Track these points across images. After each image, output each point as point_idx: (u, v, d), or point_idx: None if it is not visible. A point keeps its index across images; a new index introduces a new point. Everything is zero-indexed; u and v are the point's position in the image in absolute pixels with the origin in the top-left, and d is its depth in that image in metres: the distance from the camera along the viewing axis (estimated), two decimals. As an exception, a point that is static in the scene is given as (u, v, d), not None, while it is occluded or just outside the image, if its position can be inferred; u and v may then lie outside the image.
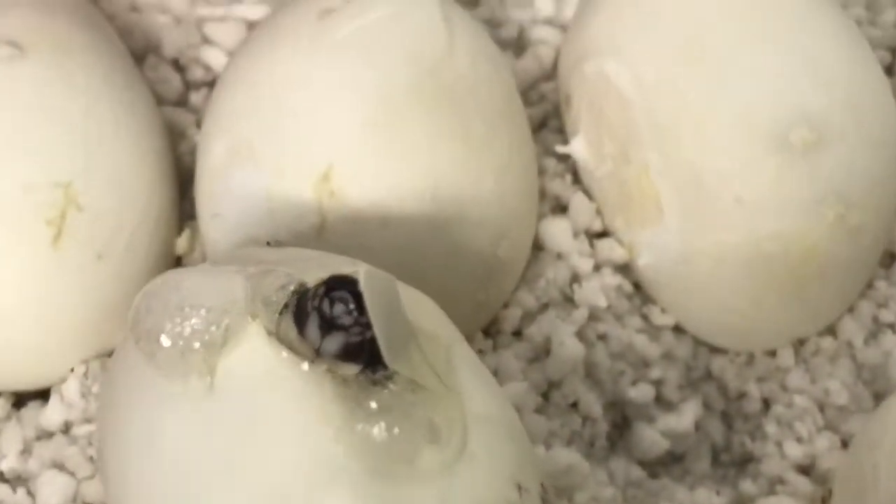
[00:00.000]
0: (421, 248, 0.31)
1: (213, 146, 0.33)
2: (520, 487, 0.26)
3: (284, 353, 0.25)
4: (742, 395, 0.36)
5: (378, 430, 0.25)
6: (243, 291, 0.25)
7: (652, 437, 0.35)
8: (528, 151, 0.35)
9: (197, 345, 0.25)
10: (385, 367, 0.25)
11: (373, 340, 0.24)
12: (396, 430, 0.25)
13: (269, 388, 0.25)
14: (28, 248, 0.32)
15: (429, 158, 0.32)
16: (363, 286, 0.23)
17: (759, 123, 0.33)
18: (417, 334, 0.25)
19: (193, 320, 0.25)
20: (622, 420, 0.35)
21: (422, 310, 0.26)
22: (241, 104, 0.33)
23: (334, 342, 0.25)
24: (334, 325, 0.24)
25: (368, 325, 0.24)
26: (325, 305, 0.24)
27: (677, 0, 0.35)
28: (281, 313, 0.25)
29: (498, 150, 0.33)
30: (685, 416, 0.35)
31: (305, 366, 0.25)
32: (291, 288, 0.25)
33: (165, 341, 0.26)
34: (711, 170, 0.33)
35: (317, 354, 0.25)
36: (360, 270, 0.24)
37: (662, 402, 0.36)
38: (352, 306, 0.24)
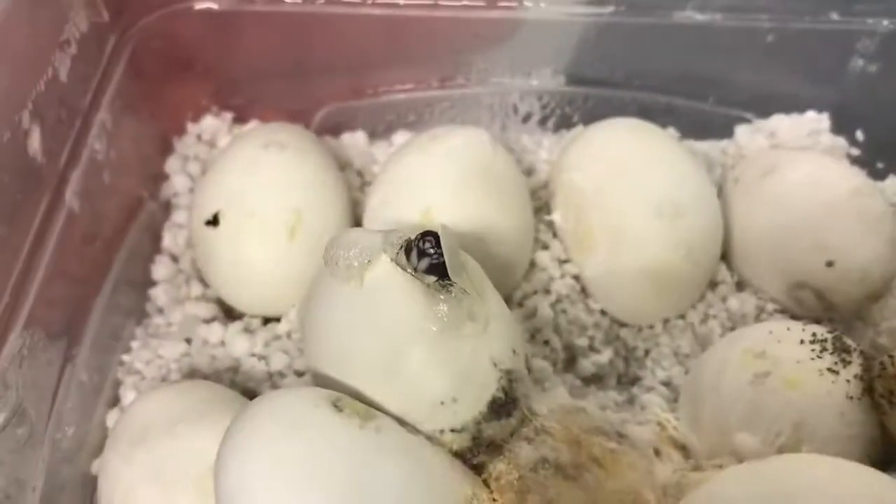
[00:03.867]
0: (473, 252, 0.38)
1: (372, 200, 0.46)
2: (514, 351, 0.33)
3: (399, 269, 0.32)
4: (635, 347, 0.45)
5: (443, 310, 0.31)
6: (380, 240, 0.33)
7: (586, 365, 0.44)
8: (529, 217, 0.46)
9: (356, 264, 0.32)
10: (449, 279, 0.31)
11: (443, 265, 0.31)
12: (453, 311, 0.31)
13: (390, 287, 0.32)
14: (274, 241, 0.43)
15: (481, 210, 0.42)
16: (441, 235, 0.32)
17: (650, 204, 0.43)
18: (466, 267, 0.33)
19: (354, 251, 0.32)
20: (571, 356, 0.44)
21: (469, 262, 0.35)
22: (385, 177, 0.46)
23: (424, 263, 0.32)
24: (425, 254, 0.31)
25: (442, 256, 0.31)
26: (421, 244, 0.32)
27: (605, 146, 0.46)
28: (398, 251, 0.32)
29: (515, 212, 0.45)
30: (604, 356, 0.44)
31: (409, 275, 0.31)
32: (403, 240, 0.32)
33: (341, 262, 0.32)
34: (625, 227, 0.43)
35: (415, 270, 0.32)
36: (439, 226, 0.31)
37: (593, 349, 0.44)
38: (434, 246, 0.31)
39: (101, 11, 0.46)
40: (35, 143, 0.39)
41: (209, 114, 0.54)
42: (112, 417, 0.43)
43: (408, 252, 0.32)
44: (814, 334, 0.38)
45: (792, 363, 0.37)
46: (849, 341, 0.38)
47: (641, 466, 0.34)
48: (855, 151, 0.54)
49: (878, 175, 0.53)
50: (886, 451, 0.36)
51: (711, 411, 0.38)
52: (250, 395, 0.41)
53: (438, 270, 0.31)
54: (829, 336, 0.39)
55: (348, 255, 0.32)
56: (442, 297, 0.31)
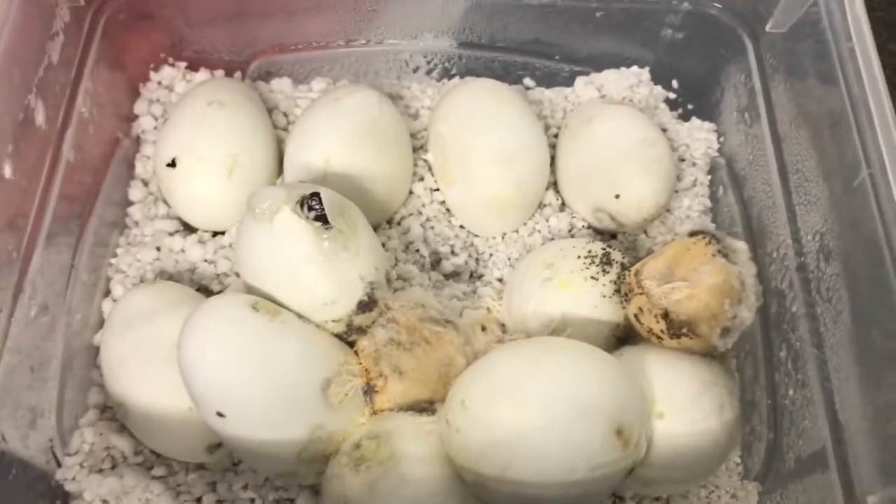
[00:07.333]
0: (360, 188, 0.54)
1: (290, 146, 0.60)
2: (376, 268, 0.47)
3: (296, 215, 0.44)
4: (483, 252, 0.59)
5: (325, 245, 0.44)
6: (284, 193, 0.44)
7: (447, 266, 0.59)
8: (409, 158, 0.60)
9: (267, 211, 0.44)
10: (329, 224, 0.44)
11: (325, 215, 0.43)
12: (331, 244, 0.44)
13: (291, 227, 0.44)
14: (217, 178, 0.56)
15: (369, 156, 0.55)
16: (322, 194, 0.43)
17: (490, 152, 0.56)
18: (344, 213, 0.45)
19: (267, 203, 0.44)
20: (437, 259, 0.59)
21: (349, 205, 0.46)
22: (297, 129, 0.59)
23: (312, 214, 0.44)
24: (312, 208, 0.43)
25: (323, 209, 0.43)
26: (310, 201, 0.43)
27: (462, 105, 0.60)
28: (295, 204, 0.44)
29: (396, 156, 0.58)
30: (460, 259, 0.59)
31: (303, 220, 0.44)
32: (300, 195, 0.44)
33: (258, 208, 0.44)
34: (474, 169, 0.57)
35: (306, 218, 0.44)
36: (322, 190, 0.44)
37: (453, 253, 0.59)
38: (318, 202, 0.43)
39: (78, -2, 0.60)
40: (40, 116, 0.54)
41: (167, 65, 0.69)
42: (106, 304, 0.60)
43: (301, 205, 0.44)
44: (589, 251, 0.56)
45: (567, 272, 0.54)
46: (615, 256, 0.56)
47: (459, 342, 0.52)
48: (672, 96, 0.70)
49: (687, 115, 0.69)
50: (626, 331, 0.54)
51: (518, 302, 0.55)
52: (204, 290, 0.58)
53: (322, 219, 0.44)
54: (601, 252, 0.56)
55: (262, 206, 0.44)
56: (324, 235, 0.44)
